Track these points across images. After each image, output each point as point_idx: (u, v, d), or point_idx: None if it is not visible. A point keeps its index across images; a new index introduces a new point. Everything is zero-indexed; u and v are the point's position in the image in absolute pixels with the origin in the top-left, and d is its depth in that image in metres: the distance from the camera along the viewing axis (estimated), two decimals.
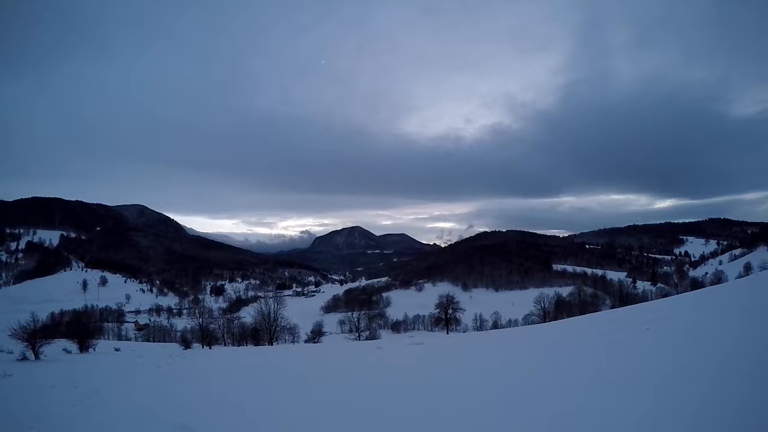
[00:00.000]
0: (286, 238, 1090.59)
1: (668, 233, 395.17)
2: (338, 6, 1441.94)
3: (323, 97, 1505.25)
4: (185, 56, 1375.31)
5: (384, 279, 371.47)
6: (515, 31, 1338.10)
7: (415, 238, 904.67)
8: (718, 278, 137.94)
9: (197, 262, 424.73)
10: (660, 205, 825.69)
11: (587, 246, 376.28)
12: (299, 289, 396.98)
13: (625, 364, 13.43)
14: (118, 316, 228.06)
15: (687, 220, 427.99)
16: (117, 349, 49.95)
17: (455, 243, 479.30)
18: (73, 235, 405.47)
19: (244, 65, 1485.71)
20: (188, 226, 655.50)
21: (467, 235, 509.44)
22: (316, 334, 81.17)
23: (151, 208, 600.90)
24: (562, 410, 9.45)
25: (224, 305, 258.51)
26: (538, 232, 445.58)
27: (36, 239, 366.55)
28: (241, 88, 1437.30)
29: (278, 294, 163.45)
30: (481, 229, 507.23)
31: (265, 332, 70.07)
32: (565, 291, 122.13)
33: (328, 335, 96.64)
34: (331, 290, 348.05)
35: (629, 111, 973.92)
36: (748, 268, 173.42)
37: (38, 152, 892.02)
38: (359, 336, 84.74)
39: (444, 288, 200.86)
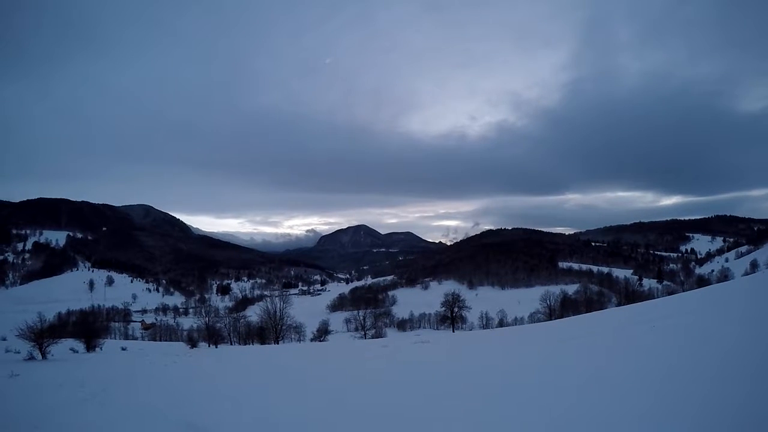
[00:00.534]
0: (292, 237, 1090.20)
1: (674, 230, 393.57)
2: (341, 4, 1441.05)
3: (327, 95, 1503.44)
4: (189, 56, 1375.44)
5: (390, 277, 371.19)
6: (519, 28, 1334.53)
7: (420, 236, 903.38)
8: (725, 276, 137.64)
9: (203, 261, 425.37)
10: (666, 202, 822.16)
11: (593, 243, 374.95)
12: (305, 288, 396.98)
13: (630, 362, 13.39)
14: (125, 315, 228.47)
15: (693, 217, 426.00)
16: (124, 349, 50.08)
17: (461, 241, 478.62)
18: (79, 235, 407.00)
19: (248, 64, 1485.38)
20: (194, 226, 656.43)
21: (473, 233, 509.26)
22: (322, 333, 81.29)
23: (156, 208, 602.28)
24: (564, 409, 9.43)
25: (230, 304, 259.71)
26: (544, 229, 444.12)
27: (42, 240, 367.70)
28: (245, 87, 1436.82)
29: (284, 293, 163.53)
30: (487, 227, 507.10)
31: (271, 331, 70.16)
32: (571, 289, 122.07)
33: (334, 334, 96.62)
34: (337, 289, 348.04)
35: (634, 108, 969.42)
36: (754, 266, 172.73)
37: (44, 153, 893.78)
38: (365, 334, 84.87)
39: (450, 286, 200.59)
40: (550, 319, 75.39)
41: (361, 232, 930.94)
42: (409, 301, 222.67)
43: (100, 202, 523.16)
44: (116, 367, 27.98)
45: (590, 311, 66.57)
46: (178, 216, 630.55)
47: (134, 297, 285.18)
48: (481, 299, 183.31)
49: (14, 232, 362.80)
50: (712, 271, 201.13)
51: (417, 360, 24.16)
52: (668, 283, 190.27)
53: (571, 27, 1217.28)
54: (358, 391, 14.51)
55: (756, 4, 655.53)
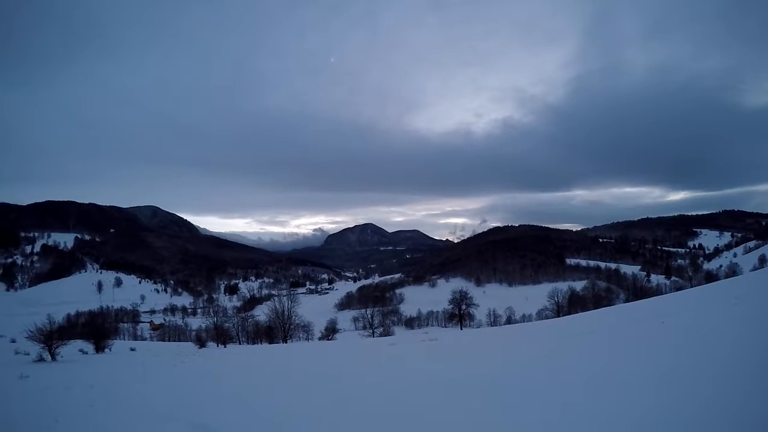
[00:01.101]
0: (299, 236, 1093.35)
1: (682, 226, 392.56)
2: (345, 3, 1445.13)
3: (332, 94, 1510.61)
4: (193, 57, 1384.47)
5: (397, 275, 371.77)
6: (523, 25, 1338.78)
7: (427, 234, 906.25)
8: (733, 271, 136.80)
9: (211, 261, 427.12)
10: (673, 198, 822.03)
11: (600, 240, 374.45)
12: (313, 287, 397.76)
13: (641, 359, 13.35)
14: (134, 316, 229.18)
15: (701, 213, 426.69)
16: (132, 349, 50.10)
17: (468, 238, 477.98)
18: (87, 237, 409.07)
19: (252, 65, 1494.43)
20: (201, 226, 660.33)
21: (480, 231, 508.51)
22: (330, 332, 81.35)
23: (164, 209, 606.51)
24: (570, 406, 9.40)
25: (238, 304, 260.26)
26: (551, 226, 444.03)
27: (51, 242, 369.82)
28: (249, 87, 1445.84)
29: (292, 292, 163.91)
30: (494, 224, 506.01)
31: (279, 330, 70.35)
32: (579, 285, 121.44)
33: (342, 332, 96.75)
34: (345, 287, 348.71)
35: (640, 103, 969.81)
36: (763, 260, 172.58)
37: (51, 156, 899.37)
38: (373, 333, 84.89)
39: (457, 283, 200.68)
40: (558, 316, 75.24)
41: (368, 230, 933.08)
42: (416, 299, 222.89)
43: (108, 204, 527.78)
44: (125, 367, 28.02)
45: (598, 308, 66.34)
46: (185, 217, 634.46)
47: (143, 298, 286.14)
48: (489, 296, 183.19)
49: (23, 234, 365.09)
50: (721, 266, 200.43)
51: (425, 358, 24.16)
52: (676, 278, 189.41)
53: (576, 22, 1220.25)
54: (366, 391, 14.49)
55: None
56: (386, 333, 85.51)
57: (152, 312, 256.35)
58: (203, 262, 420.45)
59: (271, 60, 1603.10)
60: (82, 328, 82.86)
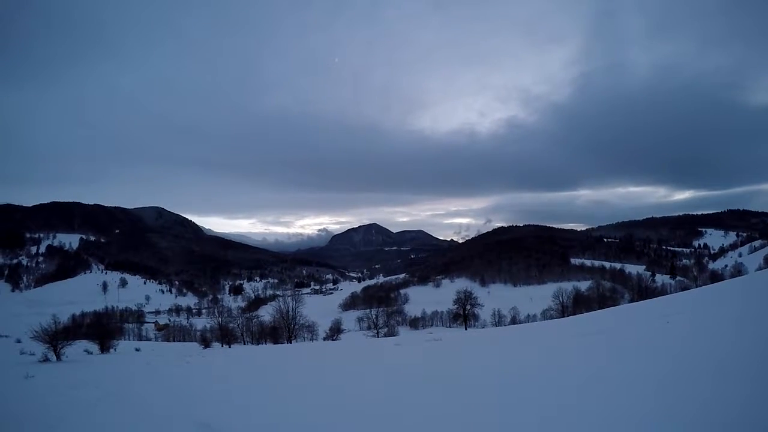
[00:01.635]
0: (304, 236, 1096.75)
1: (687, 225, 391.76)
2: (348, 3, 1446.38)
3: (336, 94, 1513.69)
4: (197, 58, 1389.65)
5: (402, 276, 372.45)
6: (527, 24, 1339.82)
7: (432, 234, 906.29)
8: (738, 271, 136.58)
9: (216, 262, 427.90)
10: (678, 197, 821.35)
11: (605, 239, 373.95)
12: (317, 287, 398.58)
13: (648, 359, 13.28)
14: (138, 316, 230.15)
15: (706, 212, 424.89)
16: (137, 350, 50.22)
17: (472, 238, 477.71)
18: (92, 238, 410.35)
19: (256, 65, 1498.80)
20: (206, 227, 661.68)
21: (485, 230, 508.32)
22: (335, 332, 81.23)
23: (168, 209, 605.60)
24: (573, 407, 9.37)
25: (243, 304, 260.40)
26: (556, 226, 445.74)
27: (56, 243, 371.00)
28: (253, 87, 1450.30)
29: (296, 292, 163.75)
30: (499, 224, 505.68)
31: (284, 330, 70.31)
32: (584, 285, 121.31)
33: (347, 332, 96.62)
34: (349, 288, 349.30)
35: (645, 101, 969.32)
36: None
37: (56, 157, 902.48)
38: (378, 333, 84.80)
39: (462, 284, 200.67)
40: (563, 316, 75.13)
41: (372, 230, 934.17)
42: (421, 299, 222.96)
43: (113, 205, 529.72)
44: (130, 367, 28.07)
45: (603, 308, 66.19)
46: (190, 217, 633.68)
47: (147, 298, 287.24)
48: (494, 296, 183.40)
49: (28, 235, 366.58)
50: (726, 266, 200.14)
51: (429, 358, 24.13)
52: (681, 278, 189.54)
53: (579, 20, 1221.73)
54: (371, 391, 14.46)
55: None
56: (391, 333, 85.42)
57: (157, 312, 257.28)
58: (208, 263, 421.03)
59: (275, 60, 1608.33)
60: (87, 328, 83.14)
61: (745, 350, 11.06)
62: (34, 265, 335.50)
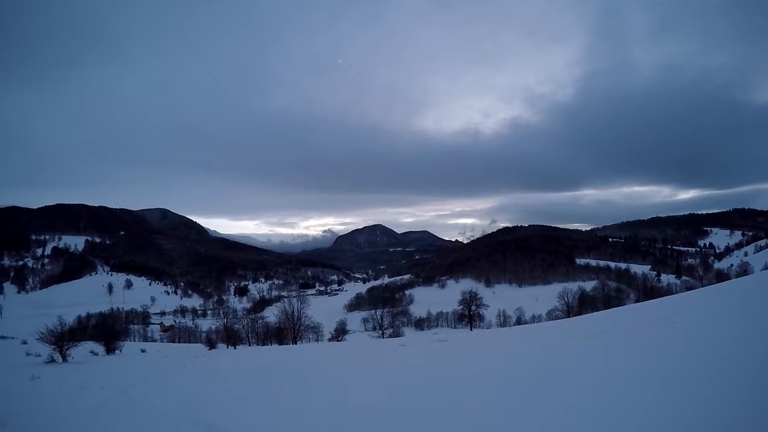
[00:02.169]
0: (309, 237, 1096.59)
1: (692, 225, 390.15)
2: (352, 4, 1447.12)
3: (340, 95, 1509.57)
4: (200, 59, 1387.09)
5: (406, 276, 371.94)
6: (530, 23, 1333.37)
7: (436, 234, 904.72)
8: (744, 270, 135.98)
9: (221, 263, 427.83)
10: (683, 196, 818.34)
11: (610, 239, 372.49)
12: (322, 288, 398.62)
13: (647, 359, 13.26)
14: (144, 318, 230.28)
15: (711, 211, 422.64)
16: (143, 351, 50.32)
17: (477, 239, 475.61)
18: (97, 239, 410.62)
19: (260, 66, 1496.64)
20: (211, 228, 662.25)
21: (489, 231, 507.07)
22: (340, 333, 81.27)
23: (173, 211, 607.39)
24: (578, 407, 9.36)
25: (248, 305, 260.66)
26: (560, 226, 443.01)
27: (61, 245, 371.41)
28: (257, 89, 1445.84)
29: (301, 293, 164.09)
30: (503, 225, 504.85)
31: (289, 331, 70.36)
32: (589, 285, 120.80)
33: (352, 333, 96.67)
34: (354, 289, 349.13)
35: (649, 100, 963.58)
36: None
37: (61, 160, 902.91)
38: (383, 334, 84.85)
39: (467, 284, 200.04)
40: (568, 317, 75.01)
41: (377, 231, 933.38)
42: (426, 299, 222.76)
43: (118, 207, 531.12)
44: (136, 368, 28.15)
45: (609, 308, 66.06)
46: (194, 219, 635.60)
47: (153, 299, 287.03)
48: (499, 297, 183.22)
49: (33, 237, 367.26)
50: (732, 265, 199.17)
51: (435, 359, 24.11)
52: (687, 278, 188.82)
53: (583, 19, 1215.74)
54: (376, 393, 14.47)
55: None
56: (396, 334, 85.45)
57: (162, 314, 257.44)
58: (213, 264, 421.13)
59: (278, 61, 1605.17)
60: (93, 329, 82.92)
61: (751, 350, 11.01)
62: (39, 267, 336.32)
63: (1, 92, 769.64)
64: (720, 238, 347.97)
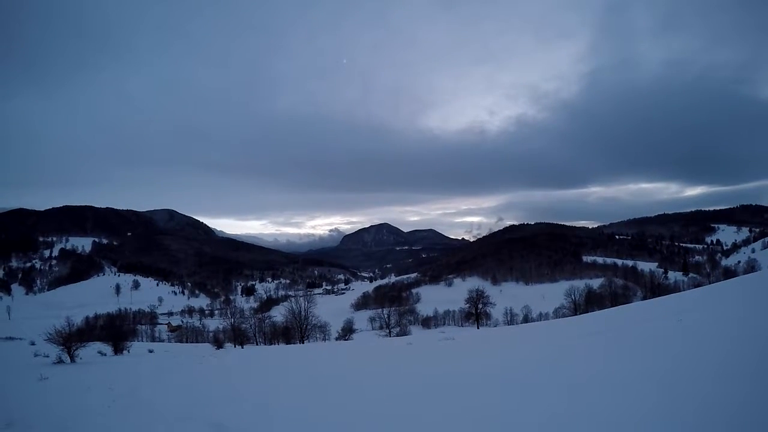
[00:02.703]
0: (315, 237, 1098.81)
1: (699, 221, 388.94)
2: (356, 4, 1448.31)
3: (345, 95, 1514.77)
4: (206, 60, 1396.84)
5: (413, 275, 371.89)
6: (535, 20, 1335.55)
7: (443, 233, 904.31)
8: (752, 267, 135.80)
9: (227, 263, 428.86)
10: (690, 193, 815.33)
11: (617, 237, 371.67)
12: (329, 288, 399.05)
13: (658, 357, 13.21)
14: (151, 318, 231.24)
15: (718, 208, 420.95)
16: (151, 351, 50.36)
17: (484, 237, 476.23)
18: (104, 241, 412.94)
19: (265, 67, 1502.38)
20: (218, 229, 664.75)
21: (496, 229, 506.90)
22: (347, 332, 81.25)
23: (180, 212, 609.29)
24: (583, 406, 9.33)
25: (255, 305, 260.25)
26: (567, 223, 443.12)
27: (69, 246, 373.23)
28: (263, 89, 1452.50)
29: (308, 292, 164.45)
30: (510, 222, 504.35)
31: (296, 331, 70.36)
32: (596, 283, 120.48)
33: (359, 332, 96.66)
34: (361, 287, 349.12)
35: (655, 97, 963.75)
36: None
37: (68, 162, 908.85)
38: (390, 332, 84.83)
39: (473, 282, 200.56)
40: (575, 314, 74.79)
41: (383, 230, 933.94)
42: (433, 298, 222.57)
43: (125, 208, 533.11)
44: (143, 369, 28.19)
45: (616, 305, 65.83)
46: (201, 219, 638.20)
47: (160, 300, 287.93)
48: (506, 295, 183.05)
49: (41, 239, 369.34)
50: (739, 262, 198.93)
51: (442, 358, 24.09)
52: (694, 275, 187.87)
53: (588, 16, 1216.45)
54: (383, 391, 14.46)
55: None
56: (403, 333, 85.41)
57: (170, 314, 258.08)
58: (220, 264, 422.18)
59: (284, 61, 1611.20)
60: (101, 330, 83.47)
61: (759, 348, 10.94)
62: (47, 268, 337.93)
63: (8, 94, 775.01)
64: (727, 234, 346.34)
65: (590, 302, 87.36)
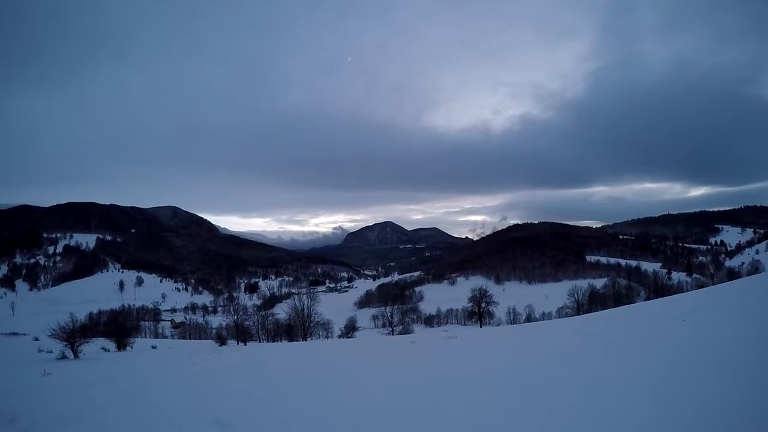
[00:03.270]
0: (319, 234, 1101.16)
1: (703, 222, 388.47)
2: (360, 2, 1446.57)
3: (349, 93, 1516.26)
4: (210, 58, 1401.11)
5: (416, 273, 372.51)
6: (539, 19, 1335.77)
7: (446, 231, 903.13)
8: (755, 268, 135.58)
9: (231, 260, 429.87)
10: (694, 193, 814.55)
11: (621, 237, 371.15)
12: (332, 285, 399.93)
13: (665, 357, 13.20)
14: (155, 314, 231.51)
15: (722, 208, 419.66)
16: (154, 347, 50.39)
17: (487, 236, 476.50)
18: (108, 237, 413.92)
19: (269, 65, 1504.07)
20: (221, 226, 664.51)
21: (500, 228, 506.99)
22: (350, 330, 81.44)
23: (184, 209, 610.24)
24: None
25: (258, 302, 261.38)
26: (571, 223, 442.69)
27: (73, 243, 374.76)
28: (266, 87, 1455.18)
29: (311, 290, 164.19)
30: (514, 222, 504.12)
31: (299, 328, 70.44)
32: (599, 283, 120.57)
33: (362, 330, 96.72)
34: (364, 285, 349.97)
35: (660, 96, 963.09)
36: None
37: (72, 159, 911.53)
38: (392, 331, 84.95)
39: (477, 281, 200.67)
40: (578, 314, 74.76)
41: (387, 228, 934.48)
42: (436, 296, 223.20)
43: (129, 205, 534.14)
44: (147, 365, 28.22)
45: (619, 305, 65.80)
46: (205, 216, 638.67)
47: (163, 296, 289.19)
48: (509, 294, 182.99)
49: (45, 235, 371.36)
50: (743, 263, 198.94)
51: (445, 356, 24.10)
52: (698, 276, 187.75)
53: (592, 14, 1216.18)
54: (385, 389, 14.45)
55: None
56: (405, 331, 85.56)
57: (173, 310, 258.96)
58: (223, 261, 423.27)
59: (288, 59, 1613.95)
60: (104, 326, 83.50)
61: (763, 350, 10.92)
62: (51, 264, 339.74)
63: (12, 93, 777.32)
64: (731, 235, 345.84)
65: (593, 302, 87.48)
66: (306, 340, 65.83)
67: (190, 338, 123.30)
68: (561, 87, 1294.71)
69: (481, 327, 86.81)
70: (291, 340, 71.94)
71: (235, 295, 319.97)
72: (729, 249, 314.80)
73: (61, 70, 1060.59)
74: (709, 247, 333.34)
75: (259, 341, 72.99)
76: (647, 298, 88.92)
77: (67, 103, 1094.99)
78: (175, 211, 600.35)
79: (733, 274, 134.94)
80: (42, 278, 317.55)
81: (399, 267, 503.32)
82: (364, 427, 9.98)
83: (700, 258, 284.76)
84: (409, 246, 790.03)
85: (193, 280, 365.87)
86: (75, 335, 33.49)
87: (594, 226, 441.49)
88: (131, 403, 14.12)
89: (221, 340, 59.20)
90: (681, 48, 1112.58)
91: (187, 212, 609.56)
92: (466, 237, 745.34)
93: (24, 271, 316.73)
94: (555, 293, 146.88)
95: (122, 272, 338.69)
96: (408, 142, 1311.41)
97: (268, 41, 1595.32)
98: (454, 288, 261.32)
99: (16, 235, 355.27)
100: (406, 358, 24.42)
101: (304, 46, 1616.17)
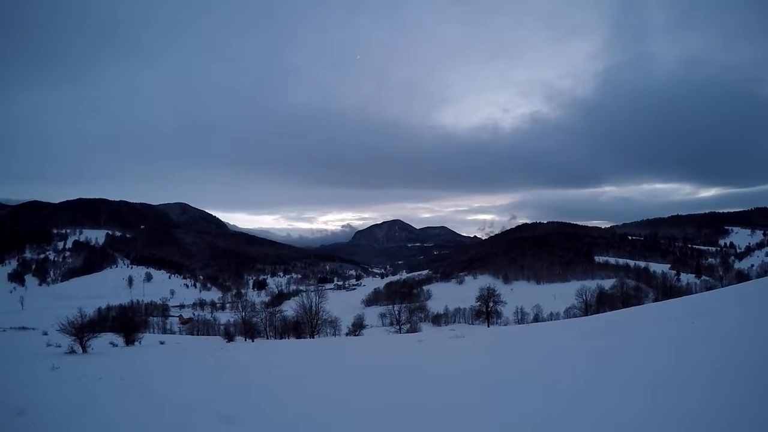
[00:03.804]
0: (327, 232, 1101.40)
1: (713, 223, 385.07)
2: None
3: (358, 91, 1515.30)
4: (220, 55, 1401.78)
5: (424, 272, 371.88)
6: (550, 16, 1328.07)
7: (455, 230, 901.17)
8: (765, 270, 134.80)
9: (239, 257, 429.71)
10: (704, 194, 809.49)
11: (630, 237, 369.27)
12: (340, 283, 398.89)
13: (669, 360, 13.16)
14: (163, 310, 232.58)
15: (732, 210, 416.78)
16: (162, 343, 50.66)
17: (496, 235, 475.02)
18: (118, 233, 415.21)
19: (278, 62, 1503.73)
20: (230, 223, 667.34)
21: (508, 227, 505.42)
22: (357, 327, 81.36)
23: (193, 206, 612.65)
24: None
25: (266, 299, 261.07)
26: (580, 223, 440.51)
27: (82, 238, 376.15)
28: (276, 84, 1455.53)
29: (319, 288, 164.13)
30: (522, 221, 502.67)
31: (306, 325, 70.44)
32: (608, 283, 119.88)
33: (369, 328, 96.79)
34: (372, 284, 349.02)
35: (670, 95, 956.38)
36: None
37: (83, 155, 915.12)
38: (400, 329, 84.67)
39: (485, 281, 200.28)
40: (586, 315, 74.48)
41: (395, 226, 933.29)
42: (443, 295, 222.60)
43: (138, 201, 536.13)
44: (154, 360, 28.37)
45: (627, 307, 65.51)
46: (214, 213, 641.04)
47: (172, 292, 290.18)
48: (517, 294, 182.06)
49: (55, 231, 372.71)
50: (752, 265, 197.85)
51: (452, 355, 24.09)
52: (707, 278, 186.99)
53: (603, 12, 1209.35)
54: (392, 387, 14.47)
55: None
56: (413, 329, 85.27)
57: (181, 306, 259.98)
58: (232, 258, 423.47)
59: (297, 57, 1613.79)
60: (113, 321, 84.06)
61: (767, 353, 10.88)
62: (61, 260, 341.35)
63: (21, 89, 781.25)
64: (741, 237, 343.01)
65: (601, 303, 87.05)
66: (313, 338, 65.89)
67: (197, 334, 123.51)
68: (570, 85, 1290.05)
69: (488, 326, 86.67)
70: (298, 337, 72.02)
71: (243, 291, 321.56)
72: (738, 251, 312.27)
73: (69, 67, 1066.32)
74: (719, 248, 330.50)
75: (267, 338, 73.06)
76: (656, 300, 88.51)
77: (75, 100, 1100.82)
78: (184, 207, 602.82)
79: (742, 277, 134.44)
80: (51, 273, 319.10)
81: (407, 265, 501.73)
82: (368, 424, 9.99)
83: (710, 260, 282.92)
84: (418, 244, 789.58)
85: (201, 277, 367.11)
86: (83, 330, 33.80)
87: (603, 227, 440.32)
88: (139, 397, 14.19)
89: (229, 337, 59.36)
90: (691, 47, 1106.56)
91: (196, 209, 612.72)
92: (475, 236, 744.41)
93: (33, 267, 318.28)
94: (563, 293, 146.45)
95: (131, 268, 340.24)
96: (417, 140, 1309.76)
97: (277, 38, 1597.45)
98: (462, 287, 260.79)
99: (26, 230, 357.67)
100: (412, 357, 24.39)
101: (313, 44, 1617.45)
